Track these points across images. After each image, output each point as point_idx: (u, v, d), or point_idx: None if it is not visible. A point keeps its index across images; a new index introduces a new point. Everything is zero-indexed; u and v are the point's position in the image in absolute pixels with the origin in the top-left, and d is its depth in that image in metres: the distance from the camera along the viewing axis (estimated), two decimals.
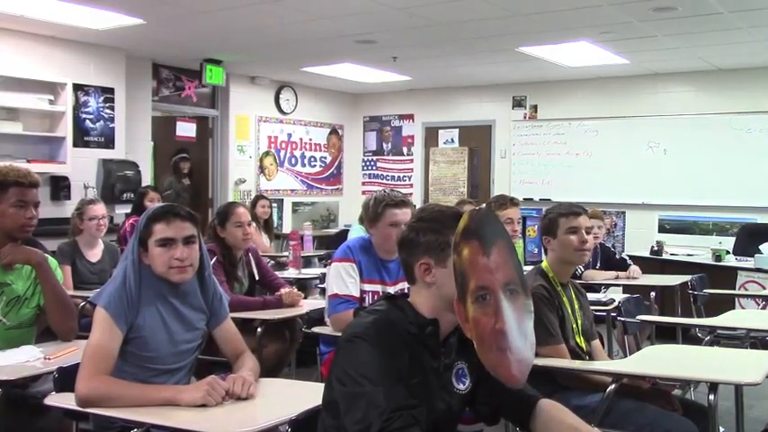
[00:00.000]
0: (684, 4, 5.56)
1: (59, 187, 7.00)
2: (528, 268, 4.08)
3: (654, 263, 7.04)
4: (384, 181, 10.65)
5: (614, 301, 4.29)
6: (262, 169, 9.66)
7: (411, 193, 9.98)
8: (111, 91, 7.49)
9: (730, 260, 6.80)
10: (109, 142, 7.48)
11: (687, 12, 5.77)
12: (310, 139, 10.41)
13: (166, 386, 2.37)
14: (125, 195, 7.30)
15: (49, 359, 2.76)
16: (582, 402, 2.92)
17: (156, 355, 2.45)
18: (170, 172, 8.92)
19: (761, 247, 6.61)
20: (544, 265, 3.23)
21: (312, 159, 10.46)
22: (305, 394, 2.27)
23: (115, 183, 7.30)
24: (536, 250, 9.19)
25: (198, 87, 8.89)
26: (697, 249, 7.39)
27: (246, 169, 9.46)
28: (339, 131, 10.90)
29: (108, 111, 7.47)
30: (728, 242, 7.49)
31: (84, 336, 2.54)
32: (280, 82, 9.82)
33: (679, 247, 7.51)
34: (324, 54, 7.86)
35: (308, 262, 6.46)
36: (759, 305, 5.89)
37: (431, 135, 10.47)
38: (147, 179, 7.96)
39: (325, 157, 10.69)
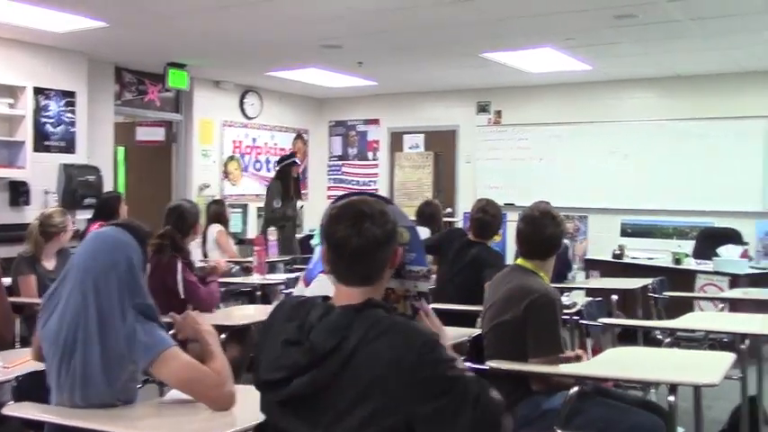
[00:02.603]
0: (645, 11, 5.65)
1: (18, 192, 6.86)
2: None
3: (616, 266, 7.14)
4: (349, 186, 10.64)
5: (576, 304, 4.33)
6: (226, 174, 9.60)
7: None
8: (72, 95, 7.38)
9: (690, 263, 6.92)
10: (70, 147, 7.36)
11: (647, 19, 5.86)
12: (275, 144, 10.37)
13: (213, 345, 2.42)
14: (86, 200, 7.19)
15: (6, 368, 2.71)
16: (551, 405, 2.96)
17: None
18: (277, 185, 8.09)
19: (718, 250, 6.74)
20: (532, 266, 3.25)
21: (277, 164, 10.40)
22: None
23: (76, 188, 7.18)
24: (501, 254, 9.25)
25: (161, 91, 8.80)
26: (658, 253, 7.51)
27: (210, 174, 9.38)
28: (304, 136, 10.87)
29: (69, 115, 7.35)
30: (688, 246, 7.62)
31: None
32: (244, 86, 9.76)
33: (640, 251, 7.63)
34: (289, 59, 7.84)
35: (272, 267, 6.43)
36: (717, 307, 6.00)
37: (396, 140, 10.49)
38: (109, 184, 7.85)
39: None
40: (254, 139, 10.01)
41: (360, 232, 1.80)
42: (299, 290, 3.53)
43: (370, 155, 10.70)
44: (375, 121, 10.66)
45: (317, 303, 1.84)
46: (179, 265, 4.16)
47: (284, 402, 1.77)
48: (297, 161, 8.41)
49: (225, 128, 9.57)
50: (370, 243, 1.81)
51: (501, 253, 4.75)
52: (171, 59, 8.02)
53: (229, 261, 6.83)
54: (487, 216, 4.75)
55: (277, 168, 8.41)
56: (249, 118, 9.91)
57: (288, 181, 8.05)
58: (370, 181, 10.65)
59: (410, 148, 10.36)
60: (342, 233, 1.81)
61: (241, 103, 9.79)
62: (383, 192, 10.42)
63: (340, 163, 10.98)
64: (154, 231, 4.29)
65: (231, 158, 9.67)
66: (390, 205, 1.96)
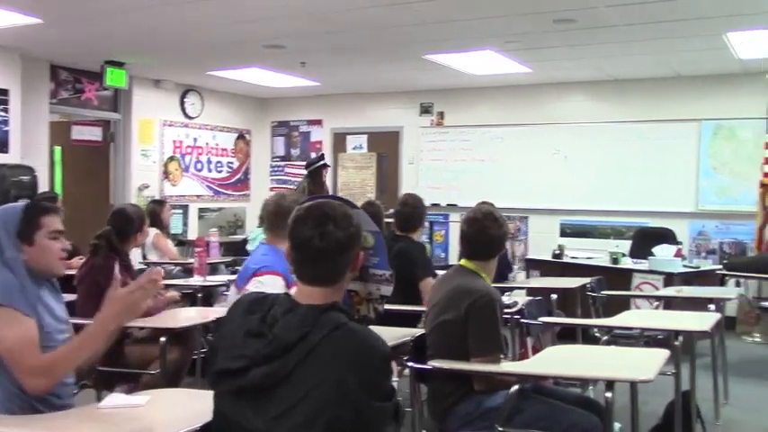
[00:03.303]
0: (583, 16, 5.77)
1: None
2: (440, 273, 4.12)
3: (555, 266, 7.27)
4: (292, 187, 10.57)
5: (517, 303, 4.39)
6: (166, 174, 9.44)
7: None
8: (4, 93, 7.16)
9: (627, 262, 7.09)
10: (3, 146, 7.15)
11: (586, 24, 5.98)
12: (217, 144, 10.24)
13: (91, 325, 2.33)
14: (20, 201, 6.96)
15: None
16: (492, 404, 3.00)
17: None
18: (302, 184, 8.09)
19: (653, 249, 6.93)
20: (474, 267, 3.28)
21: (219, 164, 10.30)
22: (209, 404, 2.22)
23: (10, 188, 6.98)
24: (443, 255, 9.34)
25: (99, 90, 8.60)
26: (596, 253, 7.68)
27: (150, 174, 9.22)
28: (246, 136, 10.77)
29: (2, 113, 7.14)
30: (625, 245, 7.81)
31: None
32: (185, 85, 9.62)
33: (579, 251, 7.78)
34: (231, 58, 7.76)
35: (214, 269, 6.35)
36: (652, 305, 6.16)
37: (339, 141, 10.48)
38: (45, 184, 7.64)
39: (232, 163, 10.55)
40: (195, 139, 9.87)
41: (323, 235, 1.84)
42: (233, 294, 3.46)
43: (313, 155, 10.65)
44: (318, 122, 10.62)
45: (281, 299, 1.88)
46: (116, 267, 4.06)
47: (239, 392, 1.79)
48: (327, 163, 8.29)
49: (165, 127, 9.42)
50: (332, 246, 1.85)
51: (424, 245, 4.77)
52: (109, 57, 7.84)
53: (170, 263, 6.74)
54: (407, 208, 4.77)
55: (306, 172, 8.26)
56: (190, 118, 9.77)
57: (318, 183, 8.02)
58: None
59: (353, 148, 10.36)
60: (305, 234, 1.85)
61: (182, 103, 9.65)
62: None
63: (283, 164, 10.91)
64: (91, 233, 4.20)
65: (171, 159, 9.52)
66: (356, 209, 1.98)
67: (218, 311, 4.17)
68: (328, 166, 8.38)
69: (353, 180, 10.17)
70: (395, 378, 3.32)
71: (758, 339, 7.35)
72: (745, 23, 5.90)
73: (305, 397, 1.72)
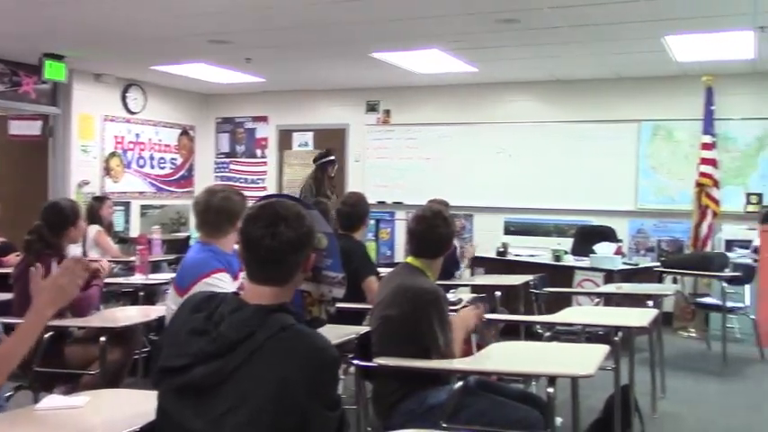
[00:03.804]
0: (527, 17, 5.84)
1: None
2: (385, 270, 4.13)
3: (500, 263, 7.35)
4: (237, 184, 10.47)
5: (462, 300, 4.43)
6: (107, 171, 9.25)
7: None
8: None
9: (569, 260, 7.22)
10: None
11: (529, 24, 6.07)
12: (160, 140, 10.07)
13: (27, 317, 2.21)
14: None
15: None
16: (436, 401, 3.02)
17: None
18: (309, 183, 7.90)
19: (594, 247, 7.07)
20: (421, 264, 3.29)
21: (162, 161, 10.13)
22: (150, 404, 2.19)
23: None
24: (389, 252, 9.37)
25: (37, 83, 8.37)
26: (539, 250, 7.80)
27: (91, 171, 9.01)
28: (190, 132, 10.62)
29: None
30: (567, 243, 7.95)
31: None
32: (127, 80, 9.43)
33: (523, 249, 7.89)
34: (174, 53, 7.64)
35: (156, 267, 6.25)
36: (593, 302, 6.28)
37: (285, 138, 10.41)
38: None
39: (176, 159, 10.39)
40: (137, 135, 9.69)
41: (274, 234, 1.83)
42: (172, 297, 3.37)
43: (258, 152, 10.58)
44: (264, 119, 10.54)
45: (229, 298, 1.86)
46: (53, 264, 3.95)
47: (180, 390, 1.77)
48: (334, 160, 8.00)
49: (106, 123, 9.22)
50: (283, 245, 1.84)
51: (363, 244, 4.77)
52: (47, 50, 7.64)
53: (111, 261, 6.60)
54: (346, 207, 4.77)
55: (314, 166, 8.05)
56: (132, 113, 9.59)
57: (322, 179, 7.84)
58: (259, 179, 10.52)
59: (299, 146, 10.31)
60: (256, 233, 1.84)
61: (123, 98, 9.46)
62: (272, 190, 10.33)
63: (228, 160, 10.80)
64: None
65: (113, 154, 9.33)
66: (310, 210, 1.97)
67: (159, 310, 4.08)
68: (336, 162, 8.04)
69: (299, 177, 10.09)
70: (341, 376, 3.32)
71: (693, 334, 7.57)
72: (681, 27, 6.06)
73: (248, 396, 1.70)
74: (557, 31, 6.25)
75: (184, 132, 10.51)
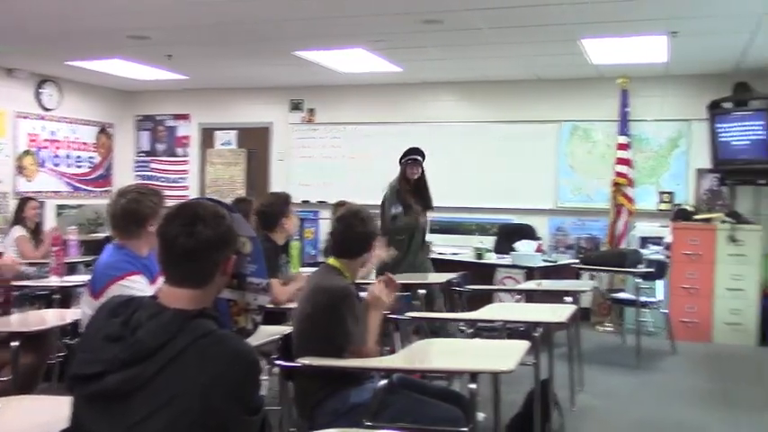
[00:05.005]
0: (450, 18, 5.91)
1: None
2: (307, 270, 4.13)
3: None
4: (158, 183, 10.25)
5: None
6: (20, 169, 8.91)
7: (186, 196, 9.71)
8: None
9: (491, 258, 7.35)
10: None
11: (452, 26, 6.14)
12: (77, 138, 9.77)
13: None
14: None
15: None
16: (360, 399, 3.03)
17: None
18: (391, 188, 6.42)
19: (515, 245, 7.22)
20: (340, 265, 3.29)
21: (78, 159, 9.82)
22: (64, 411, 2.12)
23: None
24: (313, 251, 9.33)
25: None
26: (462, 248, 7.91)
27: (3, 169, 8.68)
28: (109, 130, 10.33)
29: None
30: (489, 241, 8.09)
31: None
32: (41, 75, 9.11)
33: (446, 247, 7.99)
34: (92, 48, 7.41)
35: (72, 268, 6.06)
36: (514, 298, 6.41)
37: (207, 136, 10.25)
38: None
39: (94, 158, 10.09)
40: (52, 133, 9.37)
41: (191, 233, 1.79)
42: (86, 301, 3.26)
43: (179, 151, 10.38)
44: (185, 117, 10.34)
45: (147, 303, 1.80)
46: None
47: (94, 398, 1.70)
48: (416, 159, 6.40)
49: (19, 119, 8.88)
50: (200, 244, 1.79)
51: (275, 245, 4.75)
52: None
53: (24, 262, 6.37)
54: (263, 207, 4.76)
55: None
56: (47, 110, 9.27)
57: (401, 182, 6.43)
58: (180, 178, 10.33)
59: (222, 144, 10.17)
60: (173, 232, 1.80)
61: (37, 94, 9.13)
62: (194, 189, 10.16)
63: (148, 159, 10.55)
64: None
65: (26, 153, 8.99)
66: (233, 213, 1.93)
67: (75, 313, 3.96)
68: (418, 161, 6.43)
69: (222, 177, 9.98)
70: (264, 377, 3.30)
71: (609, 329, 7.81)
72: (596, 31, 6.24)
73: (165, 405, 1.64)
74: (478, 32, 6.34)
75: (103, 130, 10.22)
